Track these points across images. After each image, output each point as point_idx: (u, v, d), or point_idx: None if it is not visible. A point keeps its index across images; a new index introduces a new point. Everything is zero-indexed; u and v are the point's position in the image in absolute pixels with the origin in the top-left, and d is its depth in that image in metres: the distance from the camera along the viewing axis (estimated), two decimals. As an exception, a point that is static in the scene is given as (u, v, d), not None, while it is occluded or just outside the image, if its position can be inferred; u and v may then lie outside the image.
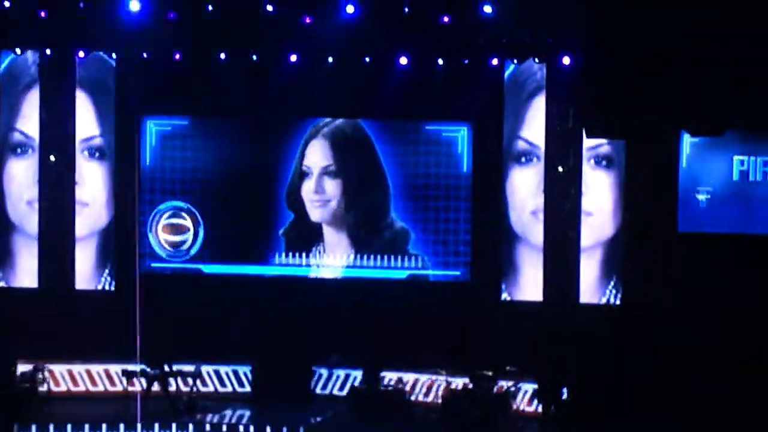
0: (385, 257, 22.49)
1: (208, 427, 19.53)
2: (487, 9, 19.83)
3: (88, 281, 22.85)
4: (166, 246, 22.81)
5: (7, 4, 20.41)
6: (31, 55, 22.41)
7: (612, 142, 21.29)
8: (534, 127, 21.96)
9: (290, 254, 22.63)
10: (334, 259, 22.60)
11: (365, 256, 22.53)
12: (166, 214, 22.80)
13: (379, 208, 22.51)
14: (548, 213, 21.84)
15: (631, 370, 20.01)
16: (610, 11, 16.83)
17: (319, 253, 22.63)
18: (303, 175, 22.57)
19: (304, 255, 22.63)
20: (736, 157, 20.77)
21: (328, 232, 22.63)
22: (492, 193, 22.12)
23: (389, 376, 21.01)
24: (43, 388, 21.01)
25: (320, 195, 22.51)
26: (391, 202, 22.47)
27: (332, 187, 22.52)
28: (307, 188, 22.56)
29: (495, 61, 21.60)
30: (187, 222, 22.77)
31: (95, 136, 22.78)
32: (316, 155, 22.57)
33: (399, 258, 22.47)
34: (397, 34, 20.92)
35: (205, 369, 21.68)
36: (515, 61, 21.59)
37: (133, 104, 22.17)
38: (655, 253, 20.98)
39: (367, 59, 21.65)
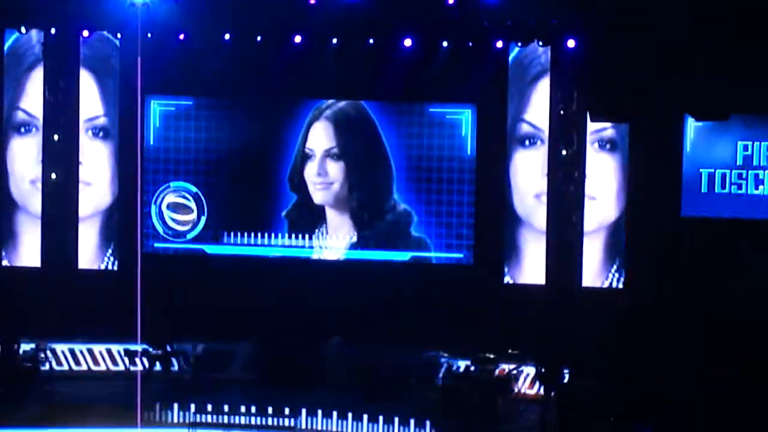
0: (388, 239, 22.48)
1: (209, 407, 19.52)
2: (492, -9, 19.90)
3: (91, 261, 22.88)
4: (170, 226, 22.82)
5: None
6: (35, 34, 22.37)
7: (616, 125, 21.27)
8: (538, 110, 21.92)
9: (293, 236, 22.63)
10: (336, 241, 22.59)
11: (368, 238, 22.52)
12: (170, 194, 22.79)
13: (382, 190, 22.48)
14: (551, 196, 21.82)
15: (634, 355, 19.99)
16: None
17: (322, 234, 22.62)
18: (306, 157, 22.54)
19: (306, 237, 22.62)
20: (740, 142, 20.73)
21: (331, 214, 22.61)
22: (495, 176, 22.08)
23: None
24: (45, 367, 21.08)
25: (323, 177, 22.48)
26: (394, 184, 22.44)
27: (335, 169, 22.49)
28: (310, 170, 22.53)
29: (499, 44, 21.58)
30: (191, 203, 22.77)
31: (99, 115, 22.78)
32: (319, 137, 22.54)
33: (402, 240, 22.46)
34: (401, 15, 20.91)
35: (207, 349, 21.70)
36: (519, 43, 21.59)
37: (136, 84, 22.14)
38: (658, 237, 20.96)
39: (371, 41, 21.61)
